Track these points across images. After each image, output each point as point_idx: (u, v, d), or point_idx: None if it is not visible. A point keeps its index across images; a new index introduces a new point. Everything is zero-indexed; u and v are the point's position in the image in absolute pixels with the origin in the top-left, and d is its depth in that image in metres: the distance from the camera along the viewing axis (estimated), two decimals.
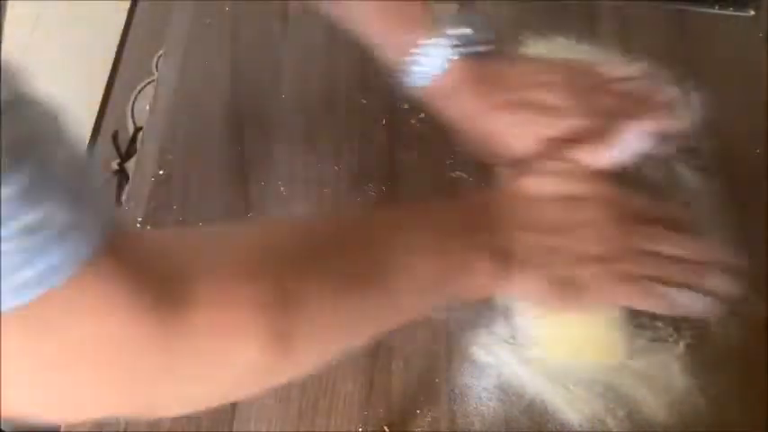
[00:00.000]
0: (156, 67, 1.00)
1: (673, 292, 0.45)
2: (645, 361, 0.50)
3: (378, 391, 0.49)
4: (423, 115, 0.61)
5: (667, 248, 0.47)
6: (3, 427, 0.37)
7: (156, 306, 0.30)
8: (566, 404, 0.49)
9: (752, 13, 0.69)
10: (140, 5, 1.30)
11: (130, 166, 1.52)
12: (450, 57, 0.49)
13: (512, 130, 0.50)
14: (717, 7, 0.69)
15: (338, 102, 0.62)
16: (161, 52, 0.67)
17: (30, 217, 0.25)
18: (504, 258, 0.44)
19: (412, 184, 0.58)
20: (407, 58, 0.50)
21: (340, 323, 0.38)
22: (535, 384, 0.49)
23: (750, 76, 0.65)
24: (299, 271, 0.36)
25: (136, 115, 1.55)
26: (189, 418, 0.47)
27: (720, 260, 0.47)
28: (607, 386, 0.49)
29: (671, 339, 0.51)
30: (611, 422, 0.48)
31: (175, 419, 0.47)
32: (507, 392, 0.49)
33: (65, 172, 0.27)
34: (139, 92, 1.58)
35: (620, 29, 0.67)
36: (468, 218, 0.45)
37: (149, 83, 1.58)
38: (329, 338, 0.38)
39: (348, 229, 0.42)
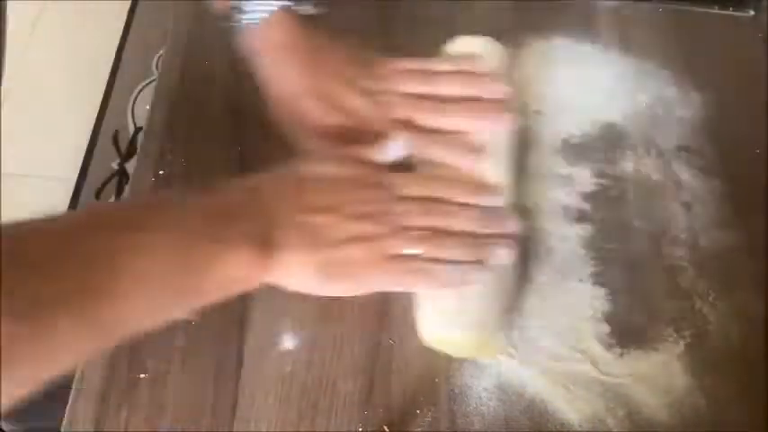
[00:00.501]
0: (156, 67, 1.00)
1: (438, 269, 0.45)
2: (645, 361, 0.50)
3: (378, 391, 0.49)
4: None
5: (438, 221, 0.46)
6: (3, 427, 0.37)
7: None
8: (566, 404, 0.49)
9: (752, 13, 0.69)
10: (140, 5, 1.30)
11: (130, 166, 1.52)
12: (271, 7, 0.50)
13: (316, 113, 0.52)
14: (717, 7, 0.69)
15: None
16: (161, 52, 0.67)
17: None
18: (264, 246, 0.42)
19: None
20: (231, 3, 0.50)
21: (41, 349, 0.34)
22: (535, 384, 0.49)
23: (750, 76, 0.65)
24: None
25: (136, 115, 1.56)
26: (189, 418, 0.47)
27: (496, 226, 0.48)
28: (607, 386, 0.49)
29: (671, 339, 0.51)
30: (611, 422, 0.48)
31: (175, 419, 0.47)
32: (507, 392, 0.49)
33: None
34: (139, 92, 1.59)
35: (620, 29, 0.67)
36: (226, 206, 0.43)
37: (149, 83, 1.58)
38: (23, 371, 0.34)
39: (59, 236, 0.37)
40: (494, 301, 0.49)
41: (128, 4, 1.73)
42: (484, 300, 0.48)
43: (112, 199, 1.45)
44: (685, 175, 0.59)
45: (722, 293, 0.53)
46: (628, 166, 0.59)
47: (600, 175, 0.58)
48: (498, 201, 0.50)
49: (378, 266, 0.45)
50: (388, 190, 0.47)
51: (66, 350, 0.36)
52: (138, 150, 0.59)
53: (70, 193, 1.46)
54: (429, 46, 0.57)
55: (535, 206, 0.56)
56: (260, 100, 0.54)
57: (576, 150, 0.60)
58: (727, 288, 0.54)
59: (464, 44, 0.57)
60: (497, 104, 0.53)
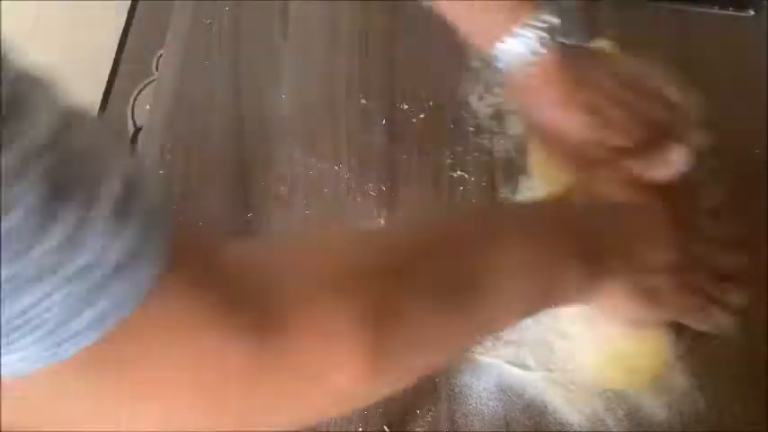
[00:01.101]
0: (156, 67, 1.00)
1: (715, 310, 0.46)
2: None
3: None
4: (423, 116, 0.61)
5: (721, 262, 0.47)
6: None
7: (255, 323, 0.28)
8: (566, 404, 0.49)
9: (752, 13, 0.69)
10: (140, 5, 1.30)
11: None
12: (540, 45, 0.48)
13: (582, 130, 0.49)
14: (717, 7, 0.69)
15: (338, 102, 0.62)
16: (161, 52, 0.67)
17: (80, 260, 0.22)
18: (594, 267, 0.42)
19: (412, 184, 0.58)
20: (497, 43, 0.48)
21: (433, 341, 0.36)
22: (535, 384, 0.49)
23: (750, 76, 0.65)
24: (395, 287, 0.33)
25: (136, 115, 1.56)
26: None
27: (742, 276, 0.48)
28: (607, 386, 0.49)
29: (671, 339, 0.51)
30: (611, 422, 0.48)
31: None
32: (507, 392, 0.49)
33: (118, 196, 0.24)
34: (139, 92, 1.58)
35: (621, 29, 0.67)
36: (557, 224, 0.43)
37: (149, 83, 1.58)
38: (421, 357, 0.36)
39: (444, 240, 0.38)
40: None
41: (128, 4, 1.72)
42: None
43: None
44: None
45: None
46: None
47: None
48: None
49: (679, 297, 0.46)
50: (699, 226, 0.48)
51: (460, 340, 0.38)
52: (138, 150, 0.59)
53: None
54: None
55: None
56: (260, 99, 0.53)
57: None
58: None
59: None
60: None
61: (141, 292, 0.24)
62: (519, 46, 0.48)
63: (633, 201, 0.47)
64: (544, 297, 0.41)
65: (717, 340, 0.51)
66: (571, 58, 0.49)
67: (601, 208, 0.46)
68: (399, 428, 0.47)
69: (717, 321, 0.47)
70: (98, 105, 1.62)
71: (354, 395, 0.33)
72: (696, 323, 0.48)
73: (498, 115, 0.61)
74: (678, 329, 0.52)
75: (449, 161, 0.59)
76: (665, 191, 0.48)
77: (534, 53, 0.48)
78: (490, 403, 0.49)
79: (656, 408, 0.49)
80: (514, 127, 0.60)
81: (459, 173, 0.59)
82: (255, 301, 0.28)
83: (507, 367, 0.50)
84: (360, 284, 0.32)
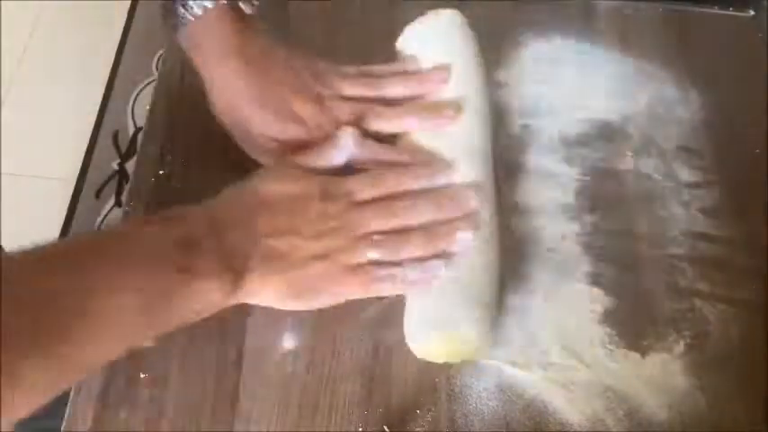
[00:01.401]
0: (156, 67, 1.00)
1: (400, 271, 0.46)
2: (645, 361, 0.50)
3: (378, 391, 0.49)
4: None
5: (394, 221, 0.47)
6: (3, 428, 0.37)
7: None
8: (566, 404, 0.49)
9: (752, 13, 0.69)
10: (140, 5, 1.30)
11: (130, 166, 1.52)
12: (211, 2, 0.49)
13: (263, 122, 0.51)
14: (717, 7, 0.69)
15: None
16: (161, 52, 0.67)
17: None
18: (230, 274, 0.43)
19: None
20: None
21: (14, 385, 0.34)
22: (535, 384, 0.49)
23: (750, 76, 0.65)
24: None
25: (136, 115, 1.56)
26: (189, 418, 0.47)
27: (455, 208, 0.48)
28: (607, 386, 0.49)
29: (671, 339, 0.51)
30: (611, 422, 0.48)
31: (175, 419, 0.47)
32: (507, 392, 0.49)
33: None
34: (139, 92, 1.59)
35: (621, 29, 0.67)
36: (189, 236, 0.43)
37: (149, 83, 1.58)
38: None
39: (25, 269, 0.36)
40: (470, 294, 0.47)
41: (128, 4, 1.73)
42: (458, 295, 0.47)
43: (112, 199, 1.45)
44: (685, 175, 0.59)
45: (722, 293, 0.53)
46: (627, 165, 0.59)
47: (599, 175, 0.58)
48: (454, 177, 0.50)
49: (342, 280, 0.46)
50: (345, 197, 0.48)
51: (31, 386, 0.35)
52: (138, 150, 0.59)
53: (70, 193, 1.46)
54: None
55: (534, 206, 0.56)
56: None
57: (575, 150, 0.60)
58: (728, 288, 0.54)
59: (428, 21, 0.57)
60: (438, 105, 0.53)
61: None
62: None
63: (296, 191, 0.47)
64: (159, 311, 0.41)
65: (717, 340, 0.51)
66: (242, 33, 0.51)
67: (245, 207, 0.46)
68: (399, 428, 0.47)
69: (407, 280, 0.46)
70: (98, 105, 1.63)
71: None
72: (381, 293, 0.47)
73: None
74: (677, 329, 0.52)
75: None
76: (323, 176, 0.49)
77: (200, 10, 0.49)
78: (490, 403, 0.49)
79: (656, 408, 0.49)
80: None
81: None
82: None
83: (507, 367, 0.50)
84: None
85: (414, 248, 0.47)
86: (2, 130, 1.48)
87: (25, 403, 0.35)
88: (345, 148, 0.50)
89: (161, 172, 0.57)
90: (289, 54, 0.54)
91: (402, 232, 0.47)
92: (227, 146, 0.55)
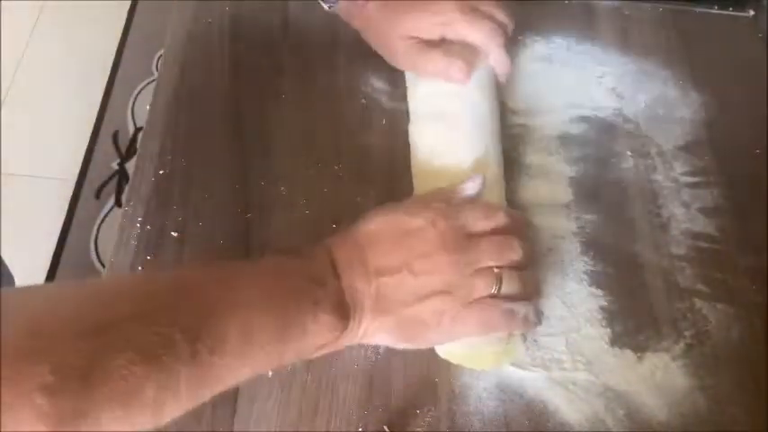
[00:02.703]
0: (156, 67, 1.00)
1: (516, 307, 0.45)
2: (645, 361, 0.50)
3: (378, 391, 0.49)
4: None
5: (503, 259, 0.46)
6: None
7: None
8: (566, 404, 0.49)
9: (752, 13, 0.69)
10: (140, 5, 1.30)
11: (130, 166, 1.52)
12: None
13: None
14: (716, 7, 0.69)
15: (338, 102, 0.62)
16: (161, 52, 0.67)
17: None
18: (341, 313, 0.43)
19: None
20: None
21: (146, 397, 0.35)
22: (535, 384, 0.49)
23: (750, 76, 0.65)
24: (94, 343, 0.33)
25: (136, 115, 1.56)
26: (189, 418, 0.47)
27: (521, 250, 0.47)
28: (607, 386, 0.49)
29: (671, 339, 0.51)
30: (611, 422, 0.48)
31: (175, 419, 0.47)
32: (507, 392, 0.49)
33: None
34: (139, 92, 1.59)
35: (620, 29, 0.67)
36: (312, 269, 0.44)
37: (149, 83, 1.58)
38: (131, 413, 0.34)
39: (161, 294, 0.38)
40: None
41: (128, 4, 1.73)
42: None
43: (112, 199, 1.45)
44: (685, 175, 0.59)
45: (722, 293, 0.53)
46: (627, 165, 0.59)
47: (599, 175, 0.59)
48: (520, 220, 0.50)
49: (460, 316, 0.44)
50: (462, 230, 0.46)
51: (175, 395, 0.36)
52: (138, 150, 0.59)
53: (70, 193, 1.46)
54: None
55: (534, 205, 0.56)
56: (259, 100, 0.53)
57: (575, 150, 0.60)
58: (727, 288, 0.54)
59: None
60: None
61: None
62: None
63: (408, 225, 0.46)
64: (287, 348, 0.41)
65: (717, 340, 0.51)
66: None
67: (354, 249, 0.46)
68: (399, 428, 0.47)
69: (526, 317, 0.46)
70: (98, 105, 1.63)
71: None
72: (509, 329, 0.47)
73: None
74: (676, 329, 0.52)
75: None
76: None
77: None
78: (490, 403, 0.49)
79: (656, 408, 0.49)
80: None
81: None
82: None
83: (507, 367, 0.50)
84: (55, 343, 0.32)
85: (522, 285, 0.46)
86: (2, 130, 1.48)
87: (175, 410, 0.37)
88: (475, 186, 0.49)
89: (161, 172, 0.57)
90: None
91: (513, 267, 0.46)
92: (227, 146, 0.55)
